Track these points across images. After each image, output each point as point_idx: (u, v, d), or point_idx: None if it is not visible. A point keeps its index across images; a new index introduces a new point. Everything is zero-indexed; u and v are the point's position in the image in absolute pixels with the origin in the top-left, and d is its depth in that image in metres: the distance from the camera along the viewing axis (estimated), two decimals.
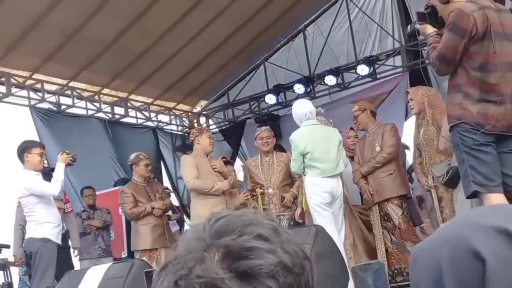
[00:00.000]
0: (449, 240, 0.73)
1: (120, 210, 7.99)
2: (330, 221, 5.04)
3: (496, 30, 3.27)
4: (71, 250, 7.06)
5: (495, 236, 0.70)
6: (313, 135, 5.29)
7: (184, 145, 11.14)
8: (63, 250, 6.35)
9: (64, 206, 6.83)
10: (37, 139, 7.74)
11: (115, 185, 8.64)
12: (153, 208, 6.29)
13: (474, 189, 3.27)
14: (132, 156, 6.59)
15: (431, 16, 3.60)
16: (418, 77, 6.97)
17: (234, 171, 6.91)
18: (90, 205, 7.70)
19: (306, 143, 5.19)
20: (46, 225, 5.51)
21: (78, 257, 7.20)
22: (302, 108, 5.50)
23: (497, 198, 3.24)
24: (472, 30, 3.24)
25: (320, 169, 5.20)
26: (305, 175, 5.27)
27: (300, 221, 5.88)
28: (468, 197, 3.54)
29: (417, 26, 3.69)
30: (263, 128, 6.52)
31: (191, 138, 6.20)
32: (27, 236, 5.64)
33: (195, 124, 11.26)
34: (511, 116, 3.28)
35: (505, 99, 3.27)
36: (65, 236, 6.74)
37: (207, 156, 6.08)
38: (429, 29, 3.58)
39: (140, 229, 6.25)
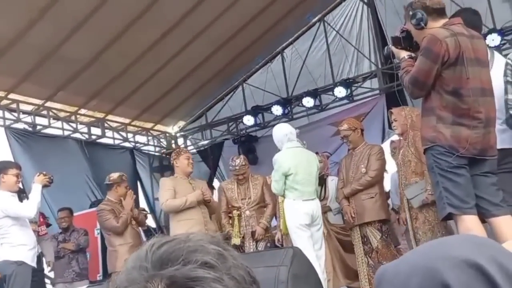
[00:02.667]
0: (421, 270, 0.72)
1: (96, 232, 7.88)
2: (309, 242, 5.03)
3: (469, 56, 3.35)
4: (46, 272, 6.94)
5: (466, 270, 0.69)
6: (296, 157, 5.31)
7: (161, 166, 11.10)
8: (37, 274, 6.22)
9: (39, 228, 6.72)
10: (12, 160, 7.63)
11: (91, 207, 8.53)
12: (133, 217, 6.18)
13: (449, 211, 3.31)
14: (115, 175, 6.43)
15: (406, 40, 3.66)
16: (394, 99, 7.07)
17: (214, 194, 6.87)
18: (64, 228, 7.54)
19: (290, 164, 5.20)
20: (21, 248, 5.39)
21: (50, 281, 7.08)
22: (282, 129, 5.52)
23: (471, 220, 3.28)
24: (444, 55, 3.30)
25: (301, 191, 5.21)
26: (284, 197, 5.26)
27: (279, 244, 5.86)
28: (442, 219, 3.59)
29: (392, 49, 3.75)
30: (237, 162, 6.28)
31: (171, 161, 6.18)
32: (1, 258, 5.51)
33: (173, 145, 11.23)
34: (483, 140, 3.34)
35: (477, 124, 3.33)
36: (39, 258, 6.63)
37: (188, 177, 6.04)
38: (403, 53, 3.65)
39: (118, 249, 6.11)
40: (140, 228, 6.48)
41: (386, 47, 3.89)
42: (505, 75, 3.59)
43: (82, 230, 7.61)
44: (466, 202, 3.28)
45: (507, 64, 3.60)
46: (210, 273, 0.75)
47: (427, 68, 3.36)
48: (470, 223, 3.26)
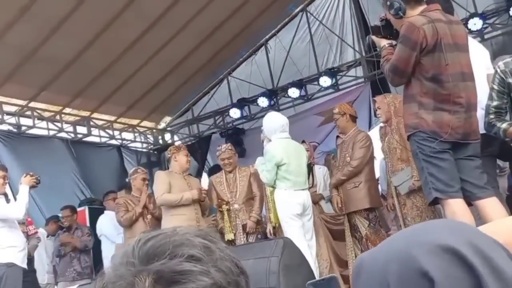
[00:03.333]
0: (398, 257, 0.72)
1: None
2: (300, 232, 5.04)
3: (447, 42, 3.36)
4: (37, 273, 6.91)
5: (442, 255, 0.70)
6: (288, 147, 5.30)
7: (149, 162, 11.07)
8: (29, 274, 6.20)
9: (27, 228, 6.70)
10: None
11: (79, 206, 8.50)
12: (146, 210, 6.25)
13: (435, 196, 3.34)
14: (131, 170, 6.65)
15: (386, 29, 3.68)
16: (379, 87, 7.09)
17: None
18: (67, 226, 7.49)
19: (282, 155, 5.19)
20: (10, 249, 5.37)
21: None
22: (277, 120, 5.46)
23: (457, 204, 3.31)
24: (422, 42, 3.32)
25: (293, 181, 5.20)
26: (274, 188, 5.24)
27: (272, 237, 5.86)
28: (429, 204, 3.62)
29: (373, 38, 3.77)
30: (223, 147, 6.40)
31: (168, 155, 6.19)
32: None
33: (160, 141, 11.21)
34: (465, 125, 3.37)
35: (458, 109, 3.36)
36: (31, 260, 6.59)
37: (183, 173, 6.06)
38: (383, 42, 3.67)
39: (128, 243, 6.12)
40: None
41: (367, 37, 3.91)
42: (492, 81, 3.62)
43: (85, 228, 7.59)
44: (451, 186, 3.32)
45: (495, 71, 3.63)
46: (196, 266, 0.75)
47: (406, 55, 3.39)
48: (456, 207, 3.29)
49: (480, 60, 3.85)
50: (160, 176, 6.06)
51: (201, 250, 0.78)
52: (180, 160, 6.05)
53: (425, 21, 3.36)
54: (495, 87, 3.60)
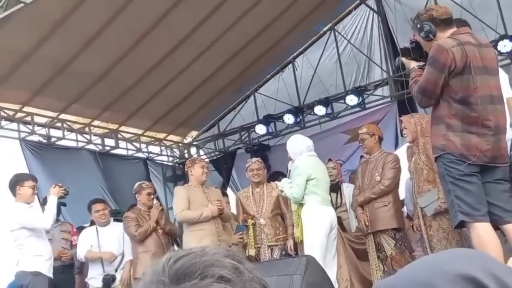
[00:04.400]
0: (418, 286, 0.73)
1: None
2: (323, 251, 5.02)
3: (476, 64, 3.36)
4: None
5: (462, 284, 0.70)
6: (315, 164, 5.34)
7: (175, 176, 11.14)
8: (68, 280, 6.44)
9: (72, 238, 6.84)
10: (27, 172, 7.71)
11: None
12: (156, 225, 6.24)
13: (461, 219, 3.31)
14: (136, 184, 6.60)
15: (415, 50, 3.70)
16: (406, 107, 7.06)
17: (228, 202, 6.89)
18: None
19: (311, 170, 5.21)
20: (37, 258, 5.46)
21: None
22: (302, 142, 5.48)
23: (484, 228, 3.28)
24: (451, 65, 3.33)
25: (321, 196, 5.21)
26: (302, 204, 5.23)
27: (293, 253, 5.85)
28: (455, 227, 3.59)
29: (402, 60, 3.79)
30: (254, 159, 6.55)
31: (186, 169, 6.22)
32: (18, 269, 5.58)
33: (186, 155, 11.28)
34: (493, 148, 3.35)
35: (487, 131, 3.34)
36: (70, 267, 6.78)
37: (202, 186, 6.07)
38: (413, 63, 3.69)
39: (139, 257, 6.20)
40: (169, 237, 6.51)
41: (396, 58, 3.94)
42: None
43: None
44: (478, 210, 3.29)
45: None
46: (226, 287, 0.76)
47: (434, 77, 3.39)
48: (482, 231, 3.26)
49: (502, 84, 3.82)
50: (179, 191, 6.06)
51: (231, 271, 0.79)
52: (196, 172, 6.04)
53: (454, 43, 3.37)
54: None
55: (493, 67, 3.50)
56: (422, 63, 3.63)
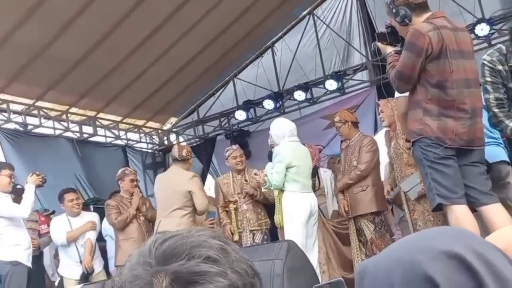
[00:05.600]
0: (402, 264, 0.73)
1: None
2: (303, 237, 5.04)
3: (452, 48, 3.38)
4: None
5: (446, 261, 0.71)
6: (297, 150, 5.33)
7: (154, 163, 11.10)
8: (36, 273, 6.22)
9: (39, 227, 6.74)
10: (4, 160, 7.61)
11: (85, 205, 8.50)
12: (137, 212, 6.22)
13: (439, 202, 3.34)
14: (119, 170, 6.56)
15: (391, 35, 3.71)
16: (386, 91, 7.09)
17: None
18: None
19: (292, 157, 5.20)
20: (16, 248, 5.41)
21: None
22: (286, 125, 5.47)
23: (461, 210, 3.32)
24: (427, 49, 3.34)
25: (302, 183, 5.22)
26: (283, 190, 5.24)
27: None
28: (433, 210, 3.63)
29: (378, 45, 3.79)
30: (234, 147, 6.59)
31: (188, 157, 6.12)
32: None
33: (165, 142, 11.23)
34: (469, 131, 3.38)
35: (463, 115, 3.37)
36: (40, 257, 6.63)
37: None
38: (389, 49, 3.70)
39: (120, 244, 6.19)
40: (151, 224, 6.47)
41: (372, 43, 3.95)
42: (483, 76, 3.59)
43: None
44: (455, 192, 3.33)
45: (483, 65, 3.60)
46: (213, 267, 0.76)
47: (411, 62, 3.40)
48: (459, 213, 3.30)
49: None
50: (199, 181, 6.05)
51: (218, 251, 0.79)
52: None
53: (430, 27, 3.38)
54: (488, 79, 3.56)
55: (468, 51, 3.53)
56: (398, 48, 3.65)
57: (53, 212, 7.58)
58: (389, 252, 0.79)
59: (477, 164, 3.47)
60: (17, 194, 5.79)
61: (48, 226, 6.96)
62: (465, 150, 3.40)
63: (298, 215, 5.08)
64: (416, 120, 3.44)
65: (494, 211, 3.37)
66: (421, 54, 3.36)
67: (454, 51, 3.38)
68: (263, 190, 5.96)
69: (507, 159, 4.09)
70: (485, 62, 3.58)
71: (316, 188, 6.35)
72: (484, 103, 3.61)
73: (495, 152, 4.00)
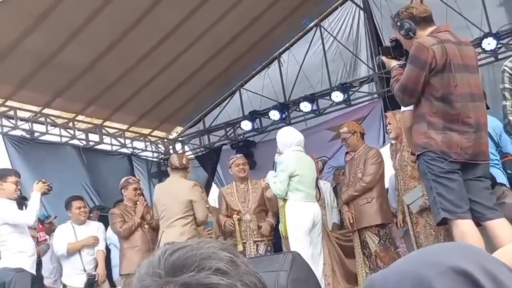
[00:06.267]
0: (410, 278, 0.73)
1: None
2: (307, 248, 5.02)
3: (456, 62, 3.38)
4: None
5: (453, 277, 0.71)
6: (300, 159, 5.33)
7: (159, 172, 11.10)
8: (36, 281, 6.20)
9: (38, 234, 6.71)
10: (10, 167, 7.63)
11: (90, 213, 8.51)
12: (142, 220, 6.22)
13: (443, 216, 3.33)
14: (122, 179, 6.56)
15: (395, 49, 3.73)
16: (391, 103, 7.09)
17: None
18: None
19: (296, 166, 5.20)
20: (20, 255, 5.40)
21: None
22: (293, 135, 5.46)
23: (466, 224, 3.30)
24: (431, 62, 3.35)
25: (305, 193, 5.21)
26: (286, 200, 5.23)
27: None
28: (437, 224, 3.60)
29: (382, 59, 3.80)
30: (238, 155, 6.60)
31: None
32: (0, 265, 5.51)
33: (171, 151, 11.24)
34: (474, 145, 3.37)
35: (468, 129, 3.36)
36: (39, 266, 6.60)
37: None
38: (393, 62, 3.71)
39: (125, 253, 6.19)
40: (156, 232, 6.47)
41: (377, 57, 3.96)
42: (502, 82, 3.57)
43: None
44: (460, 207, 3.31)
45: (503, 71, 3.59)
46: (223, 280, 0.76)
47: (415, 75, 3.41)
48: (464, 227, 3.28)
49: None
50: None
51: (228, 263, 0.78)
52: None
53: (434, 41, 3.39)
54: (507, 85, 3.53)
55: (472, 65, 3.53)
56: (402, 62, 3.65)
57: (55, 217, 7.60)
58: (397, 266, 0.79)
59: (482, 179, 3.46)
60: (17, 201, 5.78)
61: (46, 233, 6.98)
62: (470, 165, 3.39)
63: (301, 224, 5.07)
64: (421, 134, 3.44)
65: (499, 226, 3.36)
66: (425, 67, 3.36)
67: (458, 65, 3.39)
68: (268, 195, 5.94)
69: (503, 181, 4.12)
70: (506, 68, 3.56)
71: (317, 198, 6.35)
72: (502, 110, 3.59)
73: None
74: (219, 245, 0.83)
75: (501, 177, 4.13)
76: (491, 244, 3.31)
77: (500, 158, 4.12)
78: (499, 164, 4.21)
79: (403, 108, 3.82)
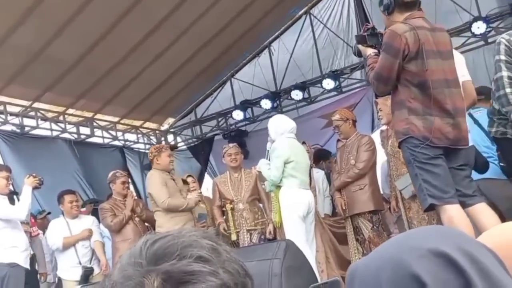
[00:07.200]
0: (390, 263, 0.74)
1: None
2: (302, 234, 5.04)
3: (429, 48, 3.38)
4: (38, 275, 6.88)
5: (432, 259, 0.71)
6: (294, 146, 5.33)
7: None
8: (30, 275, 6.20)
9: (31, 229, 6.69)
10: (1, 162, 7.60)
11: (83, 206, 8.49)
12: (132, 213, 6.22)
13: (430, 202, 3.33)
14: (110, 174, 6.53)
15: (371, 38, 3.72)
16: None
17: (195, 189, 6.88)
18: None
19: (290, 153, 5.20)
20: (13, 250, 5.41)
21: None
22: (286, 122, 5.47)
23: (454, 209, 3.31)
24: (404, 49, 3.34)
25: (299, 179, 5.21)
26: (280, 186, 5.23)
27: (271, 237, 5.89)
28: (425, 211, 3.61)
29: (359, 47, 3.80)
30: (230, 144, 6.61)
31: (150, 158, 6.13)
32: None
33: (163, 143, 11.22)
34: (453, 130, 3.37)
35: (446, 114, 3.36)
36: (32, 260, 6.59)
37: (169, 173, 6.05)
38: (369, 51, 3.71)
39: (118, 246, 6.19)
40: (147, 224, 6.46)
41: (354, 45, 3.96)
42: (498, 53, 3.51)
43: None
44: (446, 192, 3.32)
45: (499, 43, 3.53)
46: (205, 267, 0.77)
47: (388, 63, 3.42)
48: (452, 212, 3.29)
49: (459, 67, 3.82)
50: (155, 177, 5.92)
51: (209, 251, 0.79)
52: (163, 161, 5.99)
53: (406, 28, 3.40)
54: (502, 57, 3.48)
55: (447, 51, 3.52)
56: (378, 50, 3.65)
57: (49, 213, 7.58)
58: (378, 252, 0.80)
59: (463, 167, 3.47)
60: (8, 196, 5.76)
61: (39, 228, 6.96)
62: (452, 151, 3.39)
63: (296, 210, 5.08)
64: (402, 120, 3.43)
65: (479, 210, 3.38)
66: (398, 55, 3.36)
67: (431, 51, 3.38)
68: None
69: (493, 176, 4.14)
70: (503, 40, 3.52)
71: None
72: (493, 83, 3.57)
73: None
74: (201, 233, 0.83)
75: (490, 172, 4.17)
76: (476, 228, 3.33)
77: (496, 151, 4.10)
78: (495, 156, 4.19)
79: None
